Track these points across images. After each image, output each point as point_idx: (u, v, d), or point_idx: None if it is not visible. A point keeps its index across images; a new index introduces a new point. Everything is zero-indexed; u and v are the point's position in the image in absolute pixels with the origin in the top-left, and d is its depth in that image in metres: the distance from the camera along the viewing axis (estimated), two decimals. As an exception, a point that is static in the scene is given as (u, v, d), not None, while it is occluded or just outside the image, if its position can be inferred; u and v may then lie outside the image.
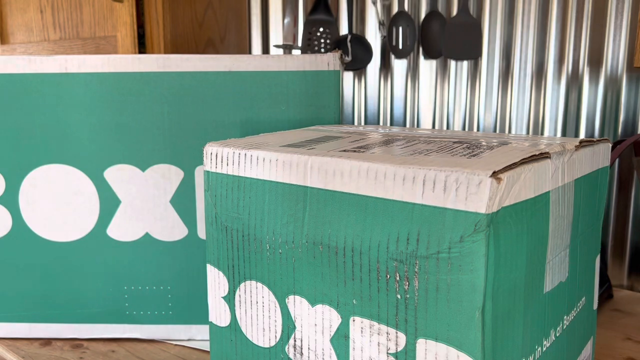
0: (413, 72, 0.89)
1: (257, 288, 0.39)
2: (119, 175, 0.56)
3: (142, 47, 0.97)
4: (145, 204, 0.56)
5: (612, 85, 0.74)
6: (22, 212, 0.57)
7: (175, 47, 0.96)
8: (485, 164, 0.30)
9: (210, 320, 0.43)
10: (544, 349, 0.36)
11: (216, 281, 0.42)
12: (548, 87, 0.79)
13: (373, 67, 0.93)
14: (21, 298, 0.59)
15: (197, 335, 0.59)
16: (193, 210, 0.56)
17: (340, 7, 0.95)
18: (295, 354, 0.37)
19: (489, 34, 0.82)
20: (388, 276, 0.32)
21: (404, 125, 0.92)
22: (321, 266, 0.35)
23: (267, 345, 0.39)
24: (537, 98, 0.80)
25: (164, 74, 0.54)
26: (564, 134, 0.78)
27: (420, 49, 0.88)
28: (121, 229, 0.57)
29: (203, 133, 0.55)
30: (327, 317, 0.35)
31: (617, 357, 0.56)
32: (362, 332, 0.33)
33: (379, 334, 0.33)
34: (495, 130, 0.84)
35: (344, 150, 0.36)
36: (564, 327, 0.39)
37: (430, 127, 0.89)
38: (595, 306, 0.46)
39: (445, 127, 0.88)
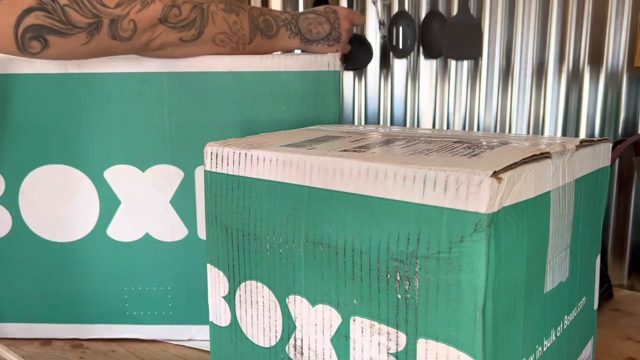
0: (413, 72, 0.89)
1: (257, 288, 0.39)
2: (119, 175, 0.56)
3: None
4: (145, 204, 0.56)
5: (613, 85, 0.74)
6: (22, 212, 0.57)
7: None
8: (486, 163, 0.30)
9: (210, 320, 0.43)
10: (545, 348, 0.36)
11: (216, 281, 0.42)
12: (548, 87, 0.78)
13: (373, 67, 0.93)
14: (21, 298, 0.59)
15: (197, 335, 0.59)
16: (193, 211, 0.56)
17: (340, 7, 0.95)
18: (295, 354, 0.37)
19: (489, 34, 0.82)
20: (388, 276, 0.32)
21: (404, 125, 0.92)
22: (321, 266, 0.35)
23: (267, 345, 0.39)
24: (537, 98, 0.80)
25: (164, 74, 0.54)
26: (564, 133, 0.78)
27: (421, 49, 0.88)
28: (121, 229, 0.57)
29: (203, 133, 0.55)
30: (327, 317, 0.35)
31: (617, 357, 0.56)
32: (362, 332, 0.33)
33: (379, 333, 0.33)
34: (495, 130, 0.84)
35: (344, 150, 0.36)
36: (565, 327, 0.39)
37: (430, 127, 0.89)
38: (595, 306, 0.46)
39: (445, 127, 0.88)
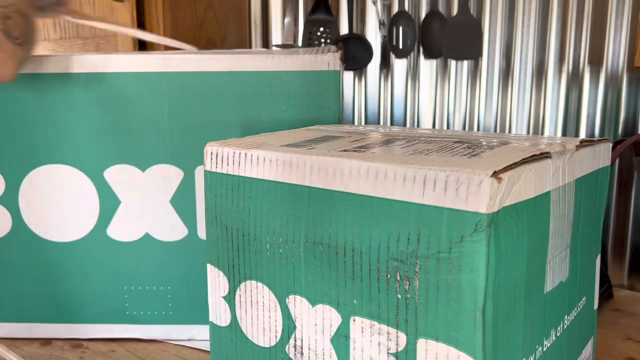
0: (413, 72, 0.89)
1: (257, 288, 0.39)
2: (119, 175, 0.56)
3: (142, 46, 0.98)
4: (145, 204, 0.56)
5: (613, 85, 0.74)
6: (22, 212, 0.57)
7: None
8: (486, 163, 0.30)
9: (210, 320, 0.43)
10: (545, 349, 0.36)
11: (216, 281, 0.42)
12: (548, 87, 0.78)
13: (373, 67, 0.93)
14: (21, 298, 0.59)
15: (197, 335, 0.59)
16: (193, 210, 0.56)
17: (340, 7, 0.95)
18: (295, 354, 0.37)
19: (489, 34, 0.82)
20: (388, 276, 0.32)
21: (404, 125, 0.92)
22: (321, 266, 0.35)
23: (267, 345, 0.39)
24: (537, 98, 0.80)
25: (164, 74, 0.54)
26: (564, 133, 0.78)
27: (421, 49, 0.88)
28: (121, 229, 0.57)
29: (203, 133, 0.55)
30: (327, 317, 0.35)
31: (617, 357, 0.56)
32: (362, 332, 0.33)
33: (379, 333, 0.33)
34: (495, 130, 0.84)
35: (344, 150, 0.36)
36: (565, 327, 0.39)
37: (430, 127, 0.89)
38: (595, 306, 0.46)
39: (445, 127, 0.88)
